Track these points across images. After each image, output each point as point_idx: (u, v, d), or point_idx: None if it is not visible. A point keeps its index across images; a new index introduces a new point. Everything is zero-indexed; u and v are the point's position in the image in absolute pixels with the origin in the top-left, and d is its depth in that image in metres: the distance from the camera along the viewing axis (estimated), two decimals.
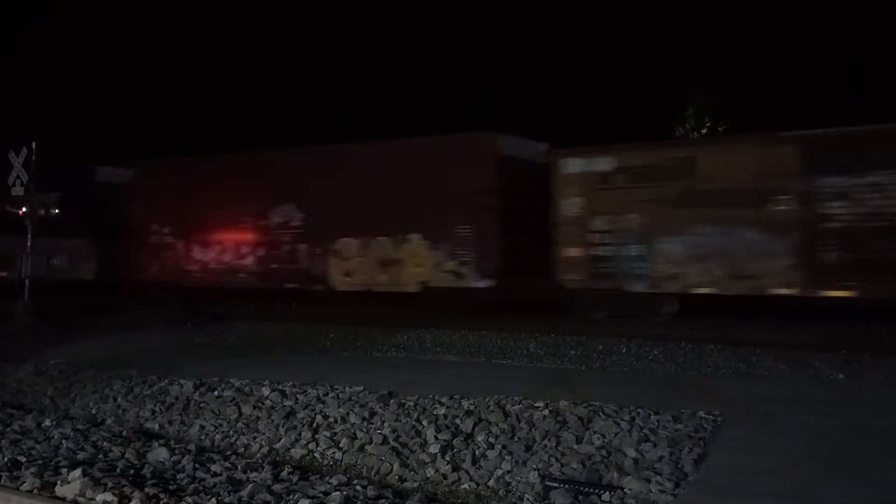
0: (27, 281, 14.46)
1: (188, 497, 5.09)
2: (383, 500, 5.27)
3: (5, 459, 6.09)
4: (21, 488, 5.37)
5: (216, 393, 8.12)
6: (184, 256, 19.11)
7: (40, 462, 6.00)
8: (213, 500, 5.01)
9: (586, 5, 21.79)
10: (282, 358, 10.16)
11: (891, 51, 17.70)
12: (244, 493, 5.27)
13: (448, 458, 6.08)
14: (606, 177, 14.21)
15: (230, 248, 18.40)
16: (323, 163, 17.40)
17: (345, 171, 16.86)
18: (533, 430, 6.31)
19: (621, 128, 18.47)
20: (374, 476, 6.07)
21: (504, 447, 6.11)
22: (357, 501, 5.20)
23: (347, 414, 7.09)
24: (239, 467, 6.08)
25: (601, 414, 6.43)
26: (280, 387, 8.00)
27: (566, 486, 5.35)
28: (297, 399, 7.65)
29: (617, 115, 15.64)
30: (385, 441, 6.47)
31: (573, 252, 14.45)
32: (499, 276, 15.08)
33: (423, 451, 6.25)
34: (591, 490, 5.26)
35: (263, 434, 7.08)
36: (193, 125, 25.19)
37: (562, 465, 5.72)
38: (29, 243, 14.67)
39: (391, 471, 6.09)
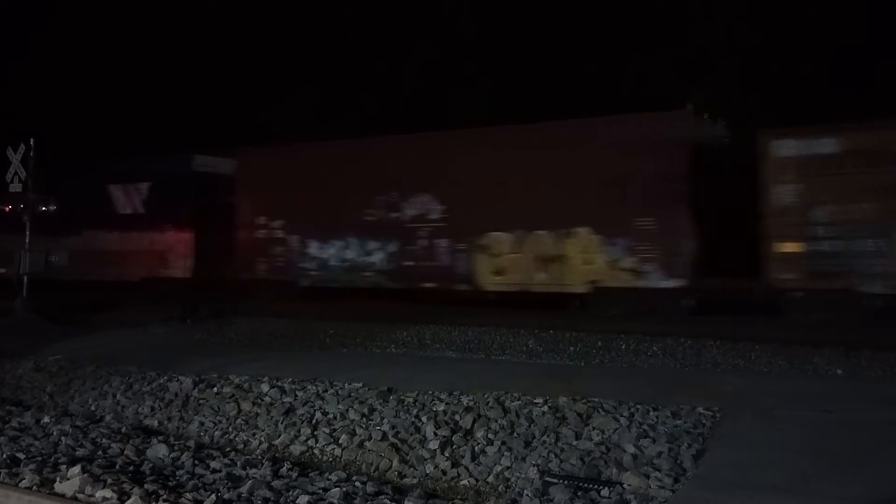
0: (25, 277, 14.46)
1: (188, 493, 5.09)
2: (383, 497, 5.27)
3: (4, 456, 6.08)
4: (20, 485, 5.36)
5: (215, 389, 8.12)
6: (298, 253, 17.35)
7: (39, 459, 6.00)
8: (213, 496, 5.01)
9: (584, 4, 21.76)
10: (281, 354, 10.16)
11: (890, 51, 17.68)
12: (244, 489, 5.27)
13: (447, 455, 6.08)
14: (831, 160, 12.48)
15: (354, 243, 16.64)
16: (467, 148, 15.59)
17: (494, 157, 15.11)
18: (532, 426, 6.31)
19: None
20: (374, 472, 6.07)
21: (503, 443, 6.11)
22: (356, 498, 5.20)
23: (347, 410, 7.10)
24: (238, 464, 6.08)
25: (600, 410, 6.44)
26: (279, 383, 8.01)
27: (565, 481, 5.35)
28: (296, 395, 7.65)
29: (615, 114, 15.65)
30: (384, 437, 6.47)
31: (788, 247, 12.73)
32: (690, 275, 13.33)
33: (423, 447, 6.25)
34: (591, 486, 5.26)
35: (263, 430, 7.08)
36: (195, 120, 25.13)
37: (561, 461, 5.72)
38: (27, 239, 14.65)
39: (390, 467, 6.09)
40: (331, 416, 7.07)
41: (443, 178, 15.60)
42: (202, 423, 7.42)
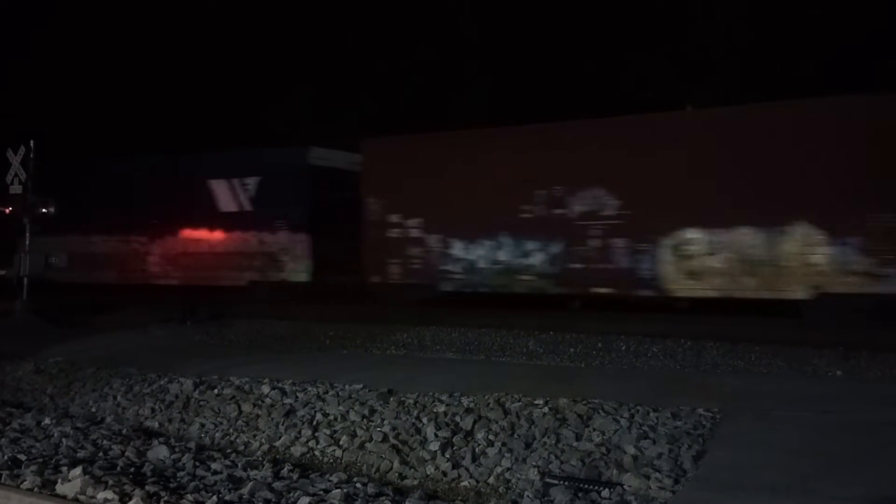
0: (25, 279, 14.45)
1: (189, 495, 5.10)
2: (383, 498, 5.28)
3: (5, 458, 6.09)
4: (21, 486, 5.37)
5: (216, 391, 8.13)
6: (439, 254, 15.56)
7: (40, 460, 6.00)
8: (214, 497, 5.02)
9: (582, 5, 21.81)
10: (281, 356, 10.16)
11: (890, 50, 17.72)
12: (245, 490, 5.28)
13: (448, 456, 6.09)
14: None
15: (508, 243, 14.91)
16: (650, 135, 13.77)
17: (684, 144, 13.37)
18: (532, 427, 6.32)
19: None
20: (375, 473, 6.08)
21: (504, 444, 6.12)
22: (357, 499, 5.21)
23: (347, 412, 7.11)
24: (239, 465, 6.09)
25: (600, 411, 6.45)
26: (280, 385, 8.01)
27: (566, 483, 5.36)
28: (296, 397, 7.66)
29: (613, 114, 15.61)
30: (385, 439, 6.48)
31: None
32: None
33: (423, 448, 6.27)
34: (591, 487, 5.27)
35: (263, 432, 7.09)
36: (194, 119, 25.14)
37: (561, 463, 5.73)
38: (27, 241, 14.65)
39: (391, 468, 6.10)
40: (331, 417, 7.08)
41: (619, 168, 13.81)
42: (203, 425, 7.43)
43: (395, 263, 15.97)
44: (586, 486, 5.30)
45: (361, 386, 7.72)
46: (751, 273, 12.78)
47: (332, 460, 6.44)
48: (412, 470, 6.04)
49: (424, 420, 6.71)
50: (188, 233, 18.87)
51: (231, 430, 7.24)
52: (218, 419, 7.50)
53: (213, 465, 6.05)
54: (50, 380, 9.56)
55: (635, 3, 21.26)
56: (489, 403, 6.83)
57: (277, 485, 5.47)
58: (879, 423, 5.91)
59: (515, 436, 6.23)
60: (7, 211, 14.85)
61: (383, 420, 6.83)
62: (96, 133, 25.75)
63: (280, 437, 6.93)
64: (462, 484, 5.77)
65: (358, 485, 5.57)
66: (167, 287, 18.68)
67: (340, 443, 6.61)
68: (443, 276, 15.53)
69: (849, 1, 18.61)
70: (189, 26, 26.21)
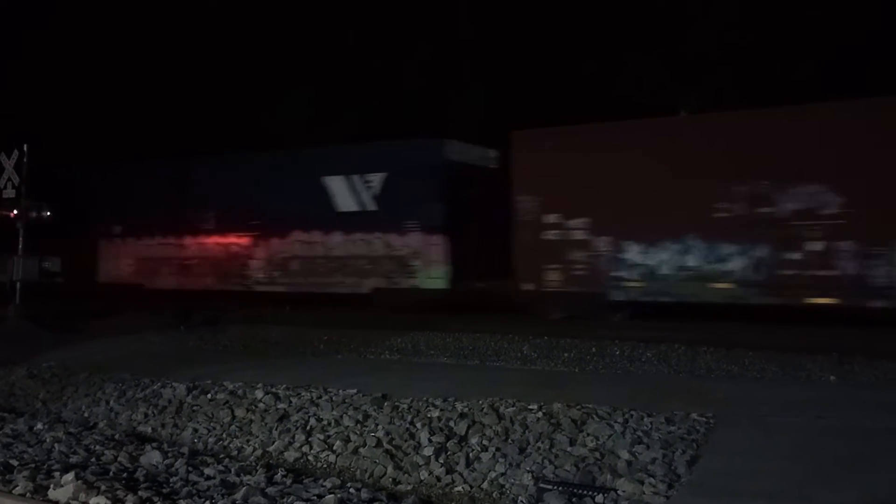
0: (18, 284, 14.40)
1: (182, 500, 5.09)
2: (377, 503, 5.27)
3: None
4: (14, 492, 5.35)
5: (209, 396, 8.10)
6: (609, 258, 13.98)
7: (33, 465, 5.98)
8: (207, 503, 5.00)
9: (580, 6, 21.86)
10: (275, 361, 10.14)
11: (890, 49, 17.76)
12: (238, 496, 5.26)
13: (442, 461, 6.09)
14: None
15: (699, 246, 13.24)
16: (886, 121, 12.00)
17: None
18: (527, 432, 6.32)
19: None
20: (368, 479, 6.07)
21: (498, 449, 6.11)
22: None
23: (341, 417, 7.09)
24: (232, 470, 6.07)
25: (595, 416, 6.44)
26: (274, 390, 7.99)
27: (560, 488, 5.36)
28: (290, 402, 7.64)
29: (610, 117, 15.60)
30: (379, 444, 6.47)
31: None
32: None
33: (417, 453, 6.26)
34: (585, 492, 5.27)
35: (257, 437, 7.07)
36: (191, 123, 25.10)
37: (555, 468, 5.73)
38: (20, 245, 14.60)
39: (385, 473, 6.09)
40: (325, 422, 7.06)
41: (845, 160, 12.13)
42: (196, 430, 7.41)
43: (553, 269, 14.46)
44: (580, 491, 5.30)
45: (355, 391, 7.70)
46: None
47: (325, 465, 6.43)
48: (406, 475, 6.03)
49: (418, 425, 6.69)
50: (299, 235, 17.40)
51: (224, 435, 7.22)
52: (211, 424, 7.48)
53: (207, 471, 6.03)
54: (43, 385, 9.51)
55: (635, 3, 21.30)
56: (483, 408, 6.82)
57: (271, 490, 5.46)
58: (873, 429, 5.92)
59: (509, 441, 6.23)
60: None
61: (377, 425, 6.82)
62: (95, 134, 25.67)
63: (274, 442, 6.91)
64: (456, 489, 5.77)
65: (352, 490, 5.56)
66: (270, 294, 17.39)
67: (334, 448, 6.60)
68: (614, 283, 13.95)
69: (849, 1, 18.65)
70: (188, 26, 26.19)
